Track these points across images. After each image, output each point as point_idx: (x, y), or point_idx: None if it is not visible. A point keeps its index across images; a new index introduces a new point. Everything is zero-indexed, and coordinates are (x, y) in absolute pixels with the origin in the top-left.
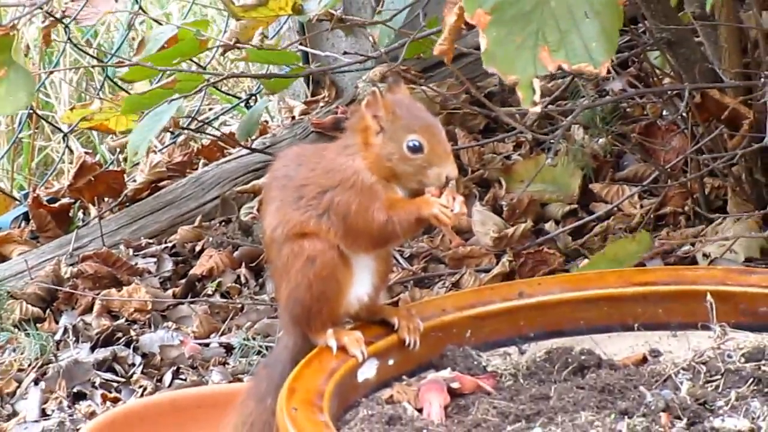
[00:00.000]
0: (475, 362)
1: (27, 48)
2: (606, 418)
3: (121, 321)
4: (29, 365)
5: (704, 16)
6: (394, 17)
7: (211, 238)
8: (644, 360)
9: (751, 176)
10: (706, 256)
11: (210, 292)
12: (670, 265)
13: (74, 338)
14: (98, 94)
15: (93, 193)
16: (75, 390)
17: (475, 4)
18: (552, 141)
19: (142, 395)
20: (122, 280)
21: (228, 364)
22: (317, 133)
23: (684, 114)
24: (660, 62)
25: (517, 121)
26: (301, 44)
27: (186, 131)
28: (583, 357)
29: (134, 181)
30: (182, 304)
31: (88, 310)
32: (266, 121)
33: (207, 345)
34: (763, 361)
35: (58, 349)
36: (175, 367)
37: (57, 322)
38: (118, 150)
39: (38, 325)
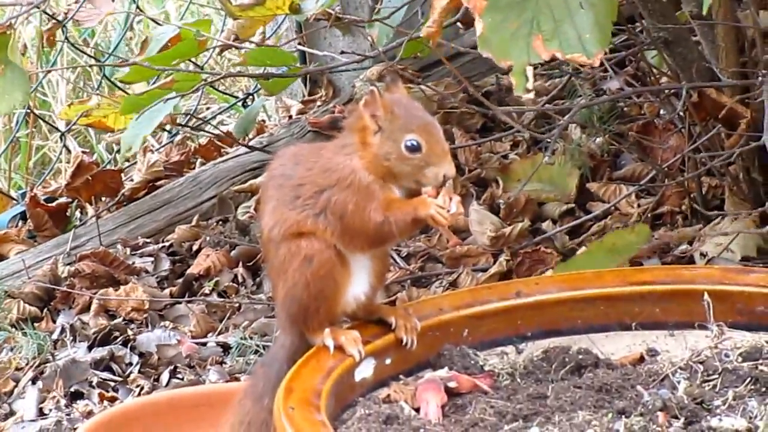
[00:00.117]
0: (473, 361)
1: (24, 47)
2: (603, 418)
3: (119, 320)
4: (26, 364)
5: (701, 15)
6: (391, 15)
7: (208, 238)
8: (641, 359)
9: (749, 175)
10: (703, 255)
11: (207, 292)
12: (668, 264)
13: (71, 337)
14: (96, 93)
15: (90, 192)
16: (72, 389)
17: None
18: (549, 140)
19: (139, 394)
20: (119, 279)
21: (225, 363)
22: (314, 132)
23: (681, 113)
24: (657, 61)
25: (514, 120)
26: (298, 44)
27: (183, 129)
28: (580, 356)
29: (131, 180)
30: (179, 303)
31: (86, 309)
32: (263, 120)
33: (204, 344)
34: (760, 361)
35: (55, 349)
36: (172, 367)
37: (54, 322)
38: (115, 149)
39: (35, 325)
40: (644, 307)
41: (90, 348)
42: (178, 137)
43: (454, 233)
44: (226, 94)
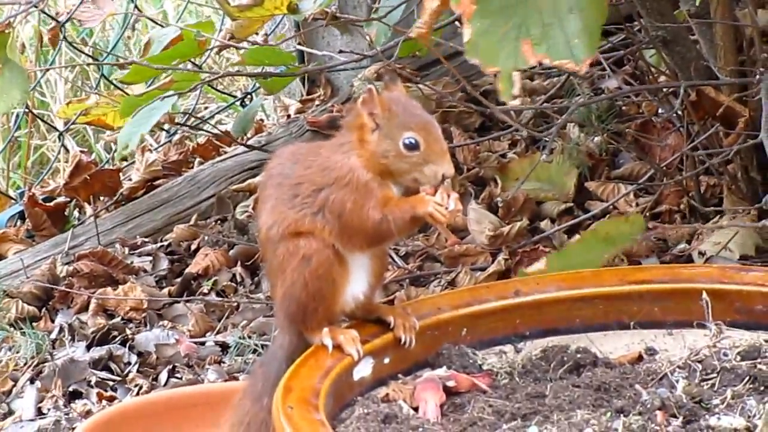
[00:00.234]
0: (471, 361)
1: (23, 47)
2: (602, 417)
3: (117, 320)
4: (25, 364)
5: (700, 14)
6: (388, 14)
7: (206, 237)
8: (640, 358)
9: (747, 174)
10: (701, 254)
11: (206, 291)
12: (666, 263)
13: (70, 337)
14: (94, 93)
15: (89, 191)
16: (71, 389)
17: None
18: (547, 139)
19: (137, 394)
20: (118, 278)
21: (224, 362)
22: (313, 131)
23: (679, 112)
24: (655, 60)
25: (512, 119)
26: (297, 43)
27: (182, 128)
28: (578, 355)
29: (130, 179)
30: (178, 302)
31: (84, 308)
32: (262, 120)
33: (203, 344)
34: (758, 360)
35: (53, 348)
36: (170, 366)
37: (53, 321)
38: (113, 148)
39: (34, 324)
40: (643, 306)
41: (88, 347)
42: (177, 136)
43: (453, 232)
44: (224, 93)
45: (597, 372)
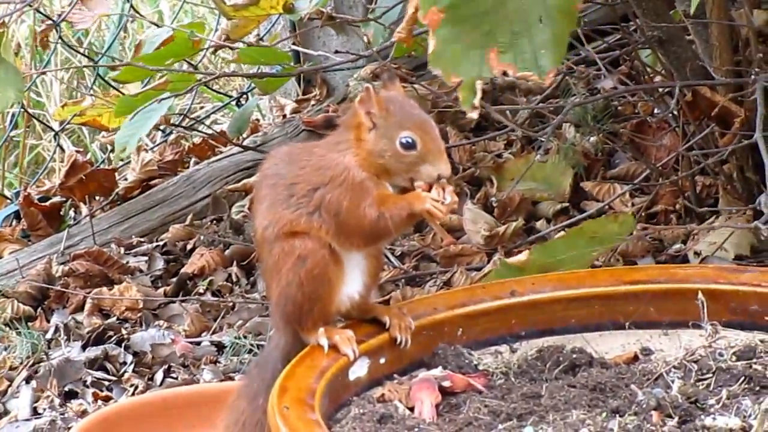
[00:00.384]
0: (467, 361)
1: (18, 47)
2: (597, 417)
3: (113, 319)
4: (20, 364)
5: (695, 14)
6: (384, 14)
7: (202, 237)
8: (635, 358)
9: (742, 174)
10: (697, 254)
11: (201, 291)
12: (662, 263)
13: (65, 337)
14: (89, 93)
15: (84, 191)
16: (66, 388)
17: (429, 2)
18: (543, 139)
19: (133, 394)
20: (113, 278)
21: (219, 362)
22: (308, 131)
23: (675, 112)
24: (651, 60)
25: (508, 119)
26: (292, 43)
27: (177, 128)
28: (574, 355)
29: (125, 179)
30: (173, 302)
31: (80, 308)
32: (257, 120)
33: (198, 343)
34: (754, 360)
35: (49, 348)
36: (166, 366)
37: (48, 321)
38: (109, 148)
39: (29, 324)
40: (638, 306)
41: (84, 347)
42: (172, 136)
43: (448, 232)
44: (219, 93)
45: (592, 372)
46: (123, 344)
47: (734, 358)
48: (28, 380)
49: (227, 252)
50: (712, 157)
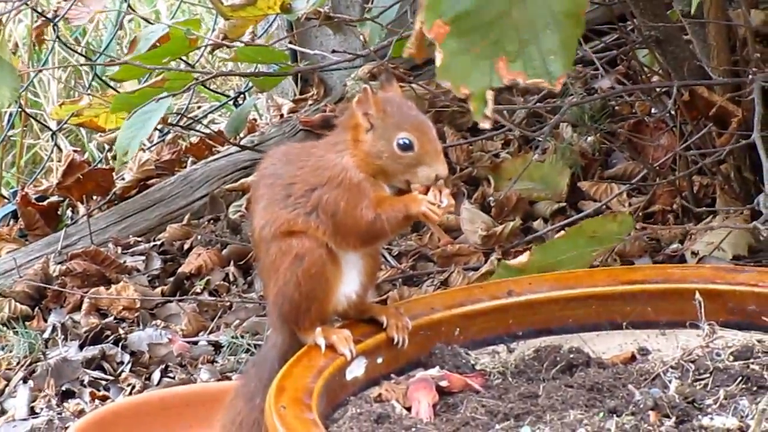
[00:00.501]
0: (464, 360)
1: (15, 46)
2: (594, 417)
3: (110, 319)
4: (18, 363)
5: (693, 13)
6: (381, 14)
7: (199, 236)
8: (633, 358)
9: (740, 174)
10: (694, 254)
11: (198, 290)
12: (659, 263)
13: (63, 336)
14: (87, 92)
15: (82, 191)
16: (64, 388)
17: (434, 15)
18: (540, 138)
19: (130, 393)
20: (111, 278)
21: (216, 362)
22: (306, 131)
23: (672, 112)
24: (649, 60)
25: (505, 118)
26: (289, 42)
27: (174, 128)
28: (571, 355)
29: (123, 179)
30: (171, 302)
31: (77, 308)
32: (255, 119)
33: (195, 343)
34: (751, 360)
35: (46, 347)
36: (163, 366)
37: (46, 321)
38: (106, 148)
39: (27, 323)
40: (636, 306)
41: (81, 347)
42: (170, 136)
43: (446, 232)
44: (217, 92)
45: (590, 372)
46: (120, 344)
47: (731, 358)
48: (25, 380)
49: (224, 251)
50: (709, 156)
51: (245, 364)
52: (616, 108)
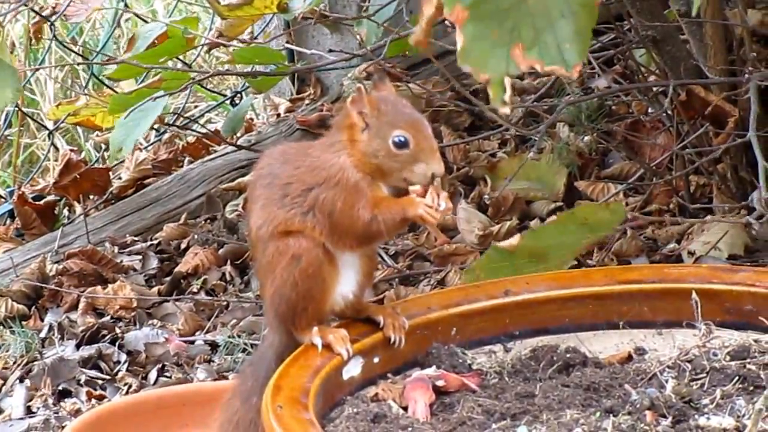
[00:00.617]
0: (461, 360)
1: (12, 45)
2: (591, 416)
3: (107, 318)
4: (14, 363)
5: (690, 13)
6: (377, 12)
7: (196, 236)
8: (629, 358)
9: (736, 173)
10: (691, 254)
11: (195, 290)
12: (656, 263)
13: (59, 336)
14: (84, 92)
15: (78, 190)
16: (60, 387)
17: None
18: (537, 138)
19: (127, 393)
20: (107, 277)
21: (213, 361)
22: (302, 130)
23: (669, 111)
24: (645, 60)
25: (502, 118)
26: (286, 42)
27: (171, 127)
28: (568, 355)
29: (119, 178)
30: (167, 301)
31: (74, 307)
32: (251, 119)
33: (192, 342)
34: (748, 360)
35: (43, 347)
36: (160, 365)
37: (42, 320)
38: (103, 147)
39: (23, 323)
40: (632, 306)
41: (78, 346)
42: (166, 135)
43: (442, 231)
44: (214, 92)
45: (586, 372)
46: (117, 343)
47: (728, 357)
48: (21, 379)
49: (221, 251)
50: (706, 156)
51: (242, 363)
52: (613, 107)
